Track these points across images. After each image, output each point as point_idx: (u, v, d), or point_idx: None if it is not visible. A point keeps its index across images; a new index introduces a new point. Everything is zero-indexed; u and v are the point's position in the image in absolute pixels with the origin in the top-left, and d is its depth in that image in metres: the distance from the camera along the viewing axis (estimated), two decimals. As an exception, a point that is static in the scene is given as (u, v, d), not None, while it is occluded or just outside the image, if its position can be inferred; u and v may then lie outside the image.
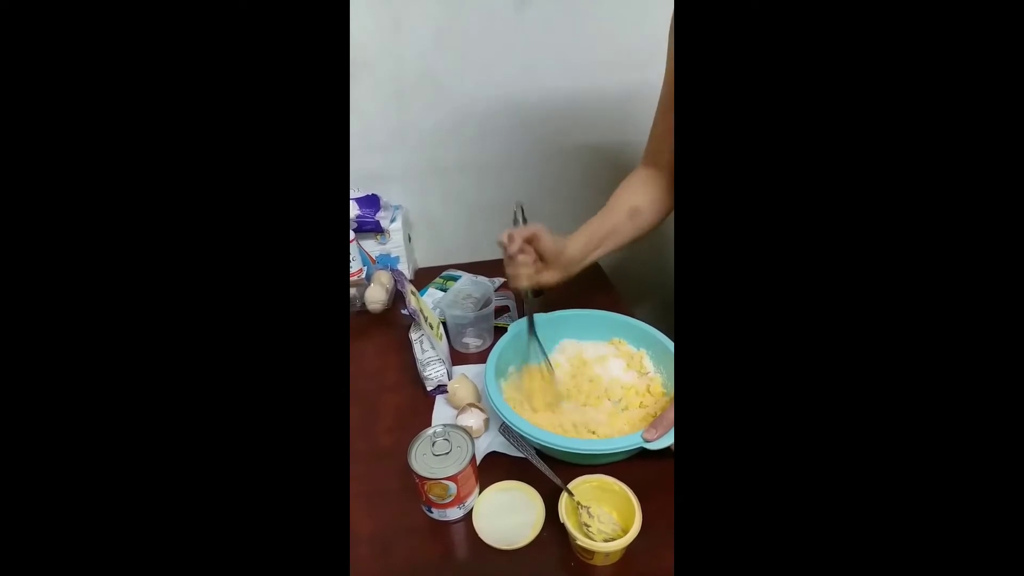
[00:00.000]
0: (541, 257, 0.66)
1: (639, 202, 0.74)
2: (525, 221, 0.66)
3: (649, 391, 0.71)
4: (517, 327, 0.77)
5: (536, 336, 0.70)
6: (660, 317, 1.08)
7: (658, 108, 0.73)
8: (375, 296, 0.92)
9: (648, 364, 0.75)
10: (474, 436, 0.64)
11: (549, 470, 0.58)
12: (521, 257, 0.64)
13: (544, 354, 0.70)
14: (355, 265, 0.97)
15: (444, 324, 0.85)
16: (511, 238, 0.63)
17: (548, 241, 0.65)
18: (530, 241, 0.64)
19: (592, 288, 1.00)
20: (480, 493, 0.59)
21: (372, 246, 1.02)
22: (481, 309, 0.83)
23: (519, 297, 0.93)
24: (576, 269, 0.70)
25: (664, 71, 0.69)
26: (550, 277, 0.68)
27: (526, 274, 0.65)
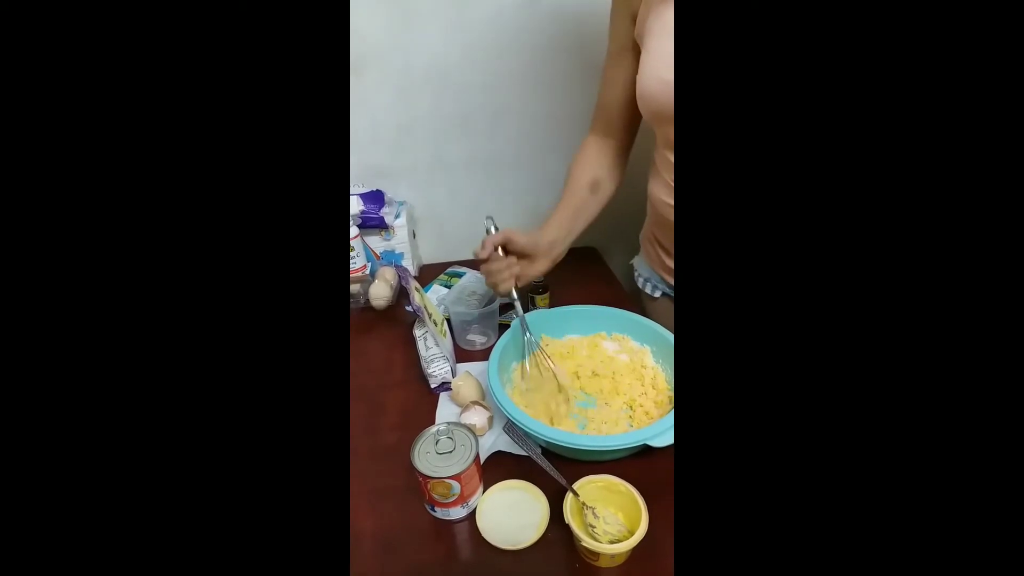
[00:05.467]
0: (522, 255, 0.71)
1: (598, 174, 0.78)
2: (497, 230, 0.70)
3: (654, 387, 0.71)
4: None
5: (531, 334, 0.71)
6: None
7: (602, 78, 0.77)
8: (379, 292, 0.91)
9: (652, 360, 0.75)
10: (478, 434, 0.63)
11: (554, 469, 0.57)
12: (495, 263, 0.68)
13: (538, 348, 0.71)
14: (359, 261, 0.96)
15: (448, 321, 0.85)
16: (483, 246, 0.68)
17: (521, 239, 0.70)
18: (504, 245, 0.69)
19: (597, 285, 0.99)
20: (484, 492, 0.58)
21: (376, 242, 1.01)
22: (486, 306, 0.83)
23: (523, 295, 0.92)
24: (559, 251, 0.75)
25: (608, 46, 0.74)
26: (539, 267, 0.73)
27: (504, 277, 0.69)
